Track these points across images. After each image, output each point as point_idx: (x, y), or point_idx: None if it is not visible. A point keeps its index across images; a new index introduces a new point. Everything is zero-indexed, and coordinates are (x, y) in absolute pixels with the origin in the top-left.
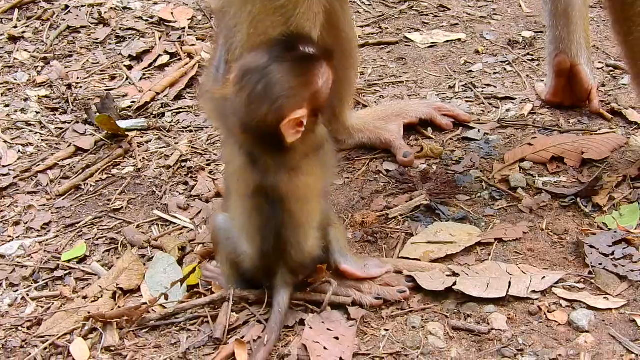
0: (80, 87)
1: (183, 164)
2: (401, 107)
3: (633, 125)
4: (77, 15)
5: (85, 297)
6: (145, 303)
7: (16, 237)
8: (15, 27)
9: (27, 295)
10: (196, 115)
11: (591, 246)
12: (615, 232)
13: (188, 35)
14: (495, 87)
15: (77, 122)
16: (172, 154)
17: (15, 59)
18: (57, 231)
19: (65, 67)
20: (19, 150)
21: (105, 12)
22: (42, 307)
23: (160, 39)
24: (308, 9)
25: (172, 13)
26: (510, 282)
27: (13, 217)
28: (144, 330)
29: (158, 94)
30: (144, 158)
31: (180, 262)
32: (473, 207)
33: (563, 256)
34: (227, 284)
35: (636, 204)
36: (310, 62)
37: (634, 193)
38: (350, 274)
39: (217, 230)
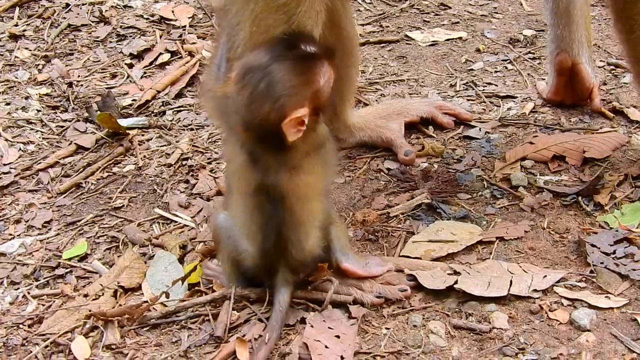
0: (81, 85)
1: (184, 162)
2: (402, 106)
3: (634, 124)
4: (78, 14)
5: (86, 295)
6: (146, 301)
7: (17, 235)
8: (16, 25)
9: (28, 293)
10: (197, 114)
11: (593, 245)
12: (617, 231)
13: (189, 33)
14: (496, 85)
15: (78, 120)
16: (173, 152)
17: (16, 57)
18: (58, 229)
19: (66, 65)
20: (20, 149)
21: (106, 10)
22: (43, 305)
23: (161, 37)
24: (310, 7)
25: (172, 11)
26: (511, 281)
27: (14, 215)
28: (145, 329)
29: (159, 92)
30: (144, 156)
31: (181, 260)
32: (474, 206)
33: (564, 255)
34: (228, 282)
35: (638, 202)
36: (311, 61)
37: (636, 192)
38: (351, 272)
39: (218, 228)
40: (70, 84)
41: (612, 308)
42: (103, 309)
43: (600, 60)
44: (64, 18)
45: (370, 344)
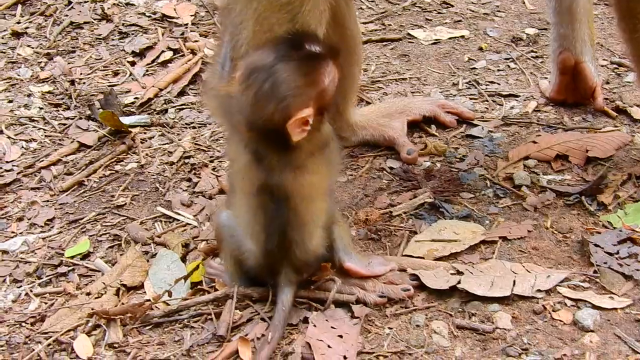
0: (84, 83)
1: (186, 161)
2: (405, 104)
3: (638, 123)
4: (80, 11)
5: (88, 294)
6: (149, 300)
7: (20, 233)
8: (19, 22)
9: (31, 291)
10: (199, 112)
11: (596, 245)
12: (620, 230)
13: (191, 31)
14: (499, 84)
15: (81, 118)
16: (175, 150)
17: (18, 54)
18: (61, 227)
19: (69, 63)
20: (23, 146)
21: (108, 8)
22: (45, 303)
23: (163, 35)
24: (314, 6)
25: (175, 9)
26: (514, 281)
27: (16, 213)
28: (147, 327)
29: (161, 90)
30: (147, 154)
31: (183, 259)
32: (477, 205)
33: (568, 255)
34: (231, 281)
35: None
36: (316, 61)
37: (639, 192)
38: (354, 272)
39: (221, 227)
40: (72, 82)
41: (615, 308)
42: (105, 307)
43: (604, 59)
44: (66, 16)
45: (373, 343)
